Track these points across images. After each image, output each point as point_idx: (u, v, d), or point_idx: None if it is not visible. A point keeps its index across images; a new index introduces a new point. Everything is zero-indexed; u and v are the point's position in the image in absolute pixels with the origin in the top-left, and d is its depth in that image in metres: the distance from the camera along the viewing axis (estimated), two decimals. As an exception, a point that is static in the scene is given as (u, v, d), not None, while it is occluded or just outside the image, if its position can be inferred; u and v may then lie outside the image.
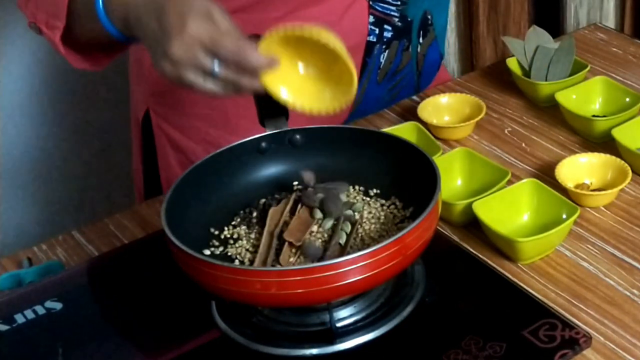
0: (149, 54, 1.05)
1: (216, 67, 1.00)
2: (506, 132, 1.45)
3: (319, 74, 1.08)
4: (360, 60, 1.45)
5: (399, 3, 1.44)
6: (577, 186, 1.28)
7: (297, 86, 1.08)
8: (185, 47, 1.00)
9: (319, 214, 1.11)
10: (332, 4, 1.39)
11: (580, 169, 1.30)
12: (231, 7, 1.28)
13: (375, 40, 1.45)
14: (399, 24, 1.46)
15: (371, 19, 1.43)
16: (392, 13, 1.45)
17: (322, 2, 1.38)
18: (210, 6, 1.02)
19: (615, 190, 1.26)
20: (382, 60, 1.48)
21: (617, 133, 1.34)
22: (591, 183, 1.30)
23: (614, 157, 1.30)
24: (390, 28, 1.46)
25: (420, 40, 1.52)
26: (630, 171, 1.27)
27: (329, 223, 1.10)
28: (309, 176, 1.12)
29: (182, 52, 1.00)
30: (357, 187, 1.18)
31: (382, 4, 1.43)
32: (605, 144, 1.37)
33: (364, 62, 1.45)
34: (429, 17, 1.51)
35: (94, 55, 1.26)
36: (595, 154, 1.31)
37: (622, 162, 1.29)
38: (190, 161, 1.43)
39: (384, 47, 1.46)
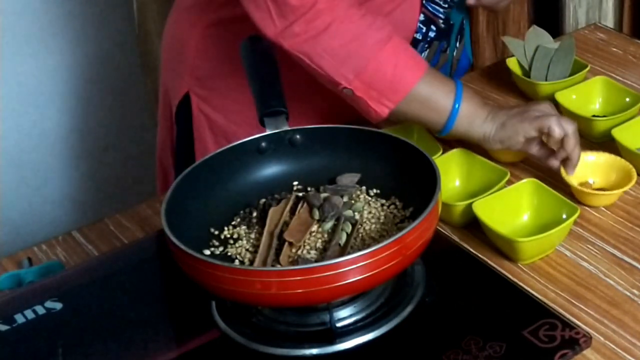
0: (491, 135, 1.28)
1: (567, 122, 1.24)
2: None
3: None
4: None
5: (447, 6, 1.48)
6: (580, 184, 1.28)
7: None
8: (547, 106, 1.28)
9: (317, 215, 1.11)
10: None
11: (584, 167, 1.29)
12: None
13: (420, 38, 1.48)
14: (443, 25, 1.49)
15: (421, 17, 1.46)
16: (439, 15, 1.48)
17: None
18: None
19: (620, 191, 1.26)
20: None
21: (617, 133, 1.34)
22: (594, 182, 1.30)
23: (619, 158, 1.30)
24: (435, 29, 1.49)
25: (457, 44, 1.55)
26: (635, 173, 1.27)
27: (329, 223, 1.10)
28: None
29: (545, 107, 1.28)
30: (357, 187, 1.18)
31: (432, 4, 1.46)
32: (605, 143, 1.37)
33: None
34: (465, 22, 1.55)
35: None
36: (601, 153, 1.32)
37: (627, 163, 1.29)
38: (229, 143, 1.44)
39: (426, 45, 1.49)
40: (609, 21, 2.33)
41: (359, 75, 1.26)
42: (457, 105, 1.28)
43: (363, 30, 1.26)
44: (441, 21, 1.49)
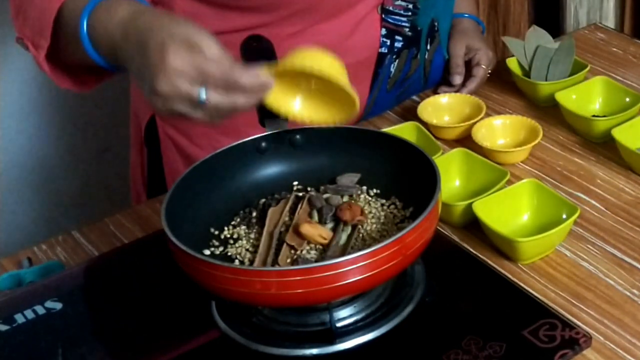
0: (139, 87, 1.02)
1: (203, 95, 0.96)
2: (506, 132, 1.45)
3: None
4: (372, 72, 1.46)
5: (409, 14, 1.46)
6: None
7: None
8: (169, 82, 0.96)
9: (315, 217, 1.11)
10: (344, 19, 1.39)
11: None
12: (247, 24, 1.28)
13: (386, 51, 1.46)
14: (410, 33, 1.48)
15: (383, 31, 1.44)
16: (403, 24, 1.46)
17: (335, 17, 1.38)
18: (191, 33, 0.97)
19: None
20: (393, 70, 1.49)
21: (617, 133, 1.34)
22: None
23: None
24: (401, 38, 1.47)
25: (428, 47, 1.53)
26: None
27: (329, 224, 1.10)
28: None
29: (167, 87, 0.96)
30: (357, 187, 1.18)
31: (393, 16, 1.44)
32: (606, 143, 1.37)
33: (375, 73, 1.46)
34: (436, 24, 1.53)
35: (82, 77, 1.22)
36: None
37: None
38: None
39: (394, 57, 1.47)
40: (610, 21, 2.33)
41: (25, 20, 1.15)
42: (83, 22, 1.07)
43: None
44: (407, 29, 1.47)
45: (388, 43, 1.46)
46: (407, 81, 1.53)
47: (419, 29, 1.49)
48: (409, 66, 1.51)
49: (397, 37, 1.46)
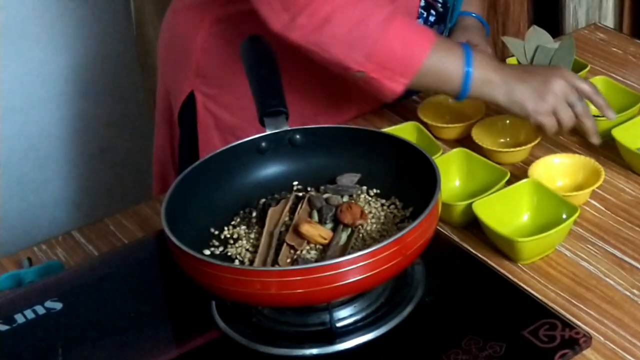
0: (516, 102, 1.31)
1: (580, 101, 1.31)
2: (506, 132, 1.45)
3: None
4: None
5: None
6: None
7: None
8: (563, 85, 1.30)
9: (315, 218, 1.11)
10: None
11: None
12: None
13: (422, 23, 1.49)
14: (441, 9, 1.51)
15: (422, 2, 1.47)
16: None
17: None
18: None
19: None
20: None
21: (617, 133, 1.34)
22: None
23: (583, 157, 1.34)
24: (434, 13, 1.50)
25: (449, 25, 1.57)
26: (602, 171, 1.30)
27: (329, 224, 1.10)
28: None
29: (561, 88, 1.30)
30: (357, 187, 1.18)
31: None
32: (605, 143, 1.37)
33: None
34: (457, 3, 1.57)
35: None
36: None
37: (594, 162, 1.33)
38: (237, 140, 1.45)
39: None
40: (609, 21, 2.33)
41: (369, 57, 1.28)
42: (468, 70, 1.31)
43: (366, 12, 1.28)
44: (440, 5, 1.51)
45: (424, 15, 1.49)
46: None
47: (448, 6, 1.52)
48: None
49: (432, 12, 1.50)
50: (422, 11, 1.48)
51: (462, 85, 1.32)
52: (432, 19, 1.50)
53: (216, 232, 1.14)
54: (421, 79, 1.32)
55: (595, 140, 1.34)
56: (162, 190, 1.58)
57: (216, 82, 1.49)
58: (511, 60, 1.55)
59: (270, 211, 1.13)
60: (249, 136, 1.18)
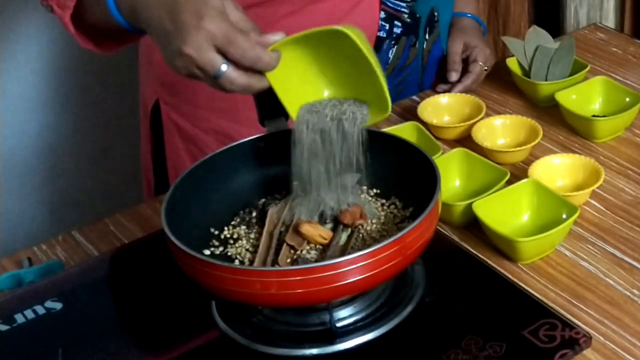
0: (158, 47, 1.05)
1: (223, 68, 1.01)
2: (506, 132, 1.45)
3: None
4: None
5: (409, 0, 1.46)
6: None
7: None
8: (198, 45, 1.00)
9: (315, 217, 1.11)
10: None
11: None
12: (245, 2, 1.29)
13: (385, 35, 1.46)
14: (409, 20, 1.48)
15: (382, 14, 1.44)
16: (403, 9, 1.47)
17: None
18: (225, 2, 1.02)
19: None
20: (391, 56, 1.49)
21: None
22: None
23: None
24: (400, 24, 1.48)
25: (427, 36, 1.54)
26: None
27: (329, 224, 1.10)
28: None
29: (195, 50, 1.00)
30: (357, 187, 1.18)
31: (393, 0, 1.45)
32: (605, 143, 1.37)
33: None
34: (436, 14, 1.54)
35: (105, 41, 1.25)
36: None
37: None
38: (200, 151, 1.44)
39: (392, 42, 1.48)
40: (610, 21, 2.33)
41: None
42: None
43: None
44: (406, 15, 1.48)
45: (387, 27, 1.46)
46: (405, 70, 1.53)
47: (417, 16, 1.50)
48: (407, 54, 1.51)
49: (396, 23, 1.47)
50: (384, 23, 1.45)
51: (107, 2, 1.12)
52: (397, 30, 1.48)
53: (216, 232, 1.14)
54: (88, 3, 1.16)
55: None
56: (150, 197, 1.58)
57: (177, 90, 1.47)
58: (511, 60, 1.55)
59: (270, 211, 1.13)
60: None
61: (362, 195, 1.16)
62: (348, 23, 1.05)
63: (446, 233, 1.24)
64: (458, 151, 1.32)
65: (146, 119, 1.56)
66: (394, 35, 1.47)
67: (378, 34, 1.45)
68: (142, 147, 1.62)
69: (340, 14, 1.39)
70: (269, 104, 1.11)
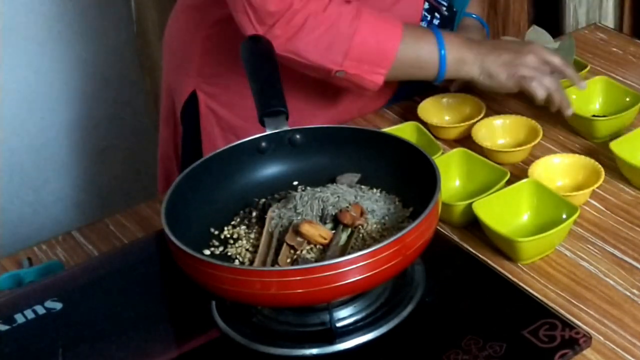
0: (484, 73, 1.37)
1: (549, 74, 1.37)
2: (506, 132, 1.45)
3: None
4: None
5: None
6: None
7: None
8: (535, 59, 1.36)
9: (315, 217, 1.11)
10: None
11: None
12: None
13: (425, 26, 1.50)
14: (446, 13, 1.53)
15: (426, 5, 1.50)
16: (443, 2, 1.52)
17: None
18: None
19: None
20: None
21: (615, 146, 1.31)
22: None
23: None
24: (439, 16, 1.52)
25: (455, 29, 1.58)
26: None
27: (329, 224, 1.10)
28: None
29: (534, 62, 1.36)
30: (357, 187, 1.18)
31: None
32: (605, 143, 1.37)
33: None
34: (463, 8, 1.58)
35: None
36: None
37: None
38: (238, 139, 1.45)
39: None
40: (609, 21, 2.33)
41: (346, 56, 1.33)
42: (442, 53, 1.37)
43: (336, 15, 1.31)
44: (444, 8, 1.52)
45: (428, 18, 1.51)
46: None
47: (454, 9, 1.54)
48: None
49: (436, 14, 1.52)
50: (426, 14, 1.50)
51: (438, 68, 1.38)
52: (436, 22, 1.51)
53: (216, 232, 1.14)
54: (399, 67, 1.36)
55: (569, 112, 1.37)
56: (166, 187, 1.59)
57: (217, 81, 1.49)
58: (511, 60, 1.55)
59: (270, 211, 1.13)
60: (250, 136, 1.18)
61: (362, 195, 1.16)
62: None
63: (446, 233, 1.24)
64: (458, 151, 1.32)
65: (171, 112, 1.58)
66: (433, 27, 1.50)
67: (420, 23, 1.49)
68: (162, 142, 1.64)
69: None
70: (268, 98, 1.11)
